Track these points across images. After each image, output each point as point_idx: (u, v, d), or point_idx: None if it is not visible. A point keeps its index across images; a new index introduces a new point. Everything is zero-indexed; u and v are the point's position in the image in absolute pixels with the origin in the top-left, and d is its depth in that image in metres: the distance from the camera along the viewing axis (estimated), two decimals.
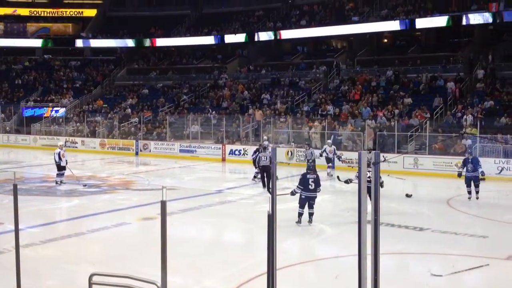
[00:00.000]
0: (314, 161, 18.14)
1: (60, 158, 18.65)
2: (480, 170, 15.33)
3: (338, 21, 35.22)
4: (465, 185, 15.45)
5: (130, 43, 42.65)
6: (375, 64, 33.02)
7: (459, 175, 15.78)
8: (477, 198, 15.20)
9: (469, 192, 15.40)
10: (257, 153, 18.64)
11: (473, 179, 15.30)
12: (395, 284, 7.78)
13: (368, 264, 4.96)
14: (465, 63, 29.94)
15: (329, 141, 21.64)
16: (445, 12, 30.62)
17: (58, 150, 18.92)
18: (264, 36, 36.79)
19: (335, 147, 21.27)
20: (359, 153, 4.74)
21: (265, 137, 22.44)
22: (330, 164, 20.82)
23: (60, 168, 18.77)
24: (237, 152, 26.38)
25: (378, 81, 30.23)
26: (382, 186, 12.80)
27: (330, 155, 20.79)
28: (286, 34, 36.23)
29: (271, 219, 5.32)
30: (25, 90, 41.68)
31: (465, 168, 15.44)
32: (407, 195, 16.28)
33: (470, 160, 15.51)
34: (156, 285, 5.46)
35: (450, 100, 25.55)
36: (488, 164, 20.08)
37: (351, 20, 34.59)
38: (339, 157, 20.99)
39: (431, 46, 34.51)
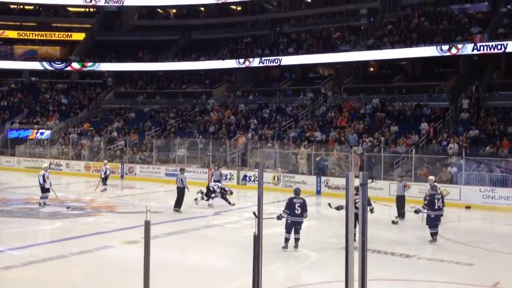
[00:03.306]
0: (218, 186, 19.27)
1: (44, 180, 18.45)
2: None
3: (325, 49, 35.61)
4: (429, 228, 13.61)
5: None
6: (361, 92, 33.32)
7: (417, 212, 14.34)
8: (435, 240, 13.60)
9: (435, 234, 13.56)
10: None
11: (439, 218, 13.98)
12: None
13: None
14: (450, 92, 30.31)
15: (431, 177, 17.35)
16: (431, 43, 31.10)
17: (43, 172, 18.73)
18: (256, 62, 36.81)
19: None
20: (347, 174, 4.71)
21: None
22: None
23: (44, 190, 18.54)
24: (223, 177, 26.16)
25: (365, 109, 30.45)
26: (372, 212, 12.83)
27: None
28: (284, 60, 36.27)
29: (257, 240, 5.24)
30: (10, 111, 41.30)
31: (434, 206, 13.63)
32: (393, 222, 16.26)
33: (439, 197, 13.89)
34: None
35: (423, 140, 25.57)
36: (473, 192, 20.23)
37: (339, 48, 34.99)
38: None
39: (417, 76, 34.96)
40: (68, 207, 18.20)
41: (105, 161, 26.27)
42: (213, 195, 18.92)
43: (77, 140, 34.64)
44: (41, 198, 18.56)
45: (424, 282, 10.28)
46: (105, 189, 23.25)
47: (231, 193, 19.36)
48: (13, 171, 32.95)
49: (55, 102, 42.79)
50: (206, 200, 18.96)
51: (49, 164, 22.30)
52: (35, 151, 35.34)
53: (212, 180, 20.88)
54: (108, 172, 24.04)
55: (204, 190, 19.16)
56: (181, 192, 18.04)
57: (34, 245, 12.99)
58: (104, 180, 23.63)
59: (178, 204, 17.92)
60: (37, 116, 40.25)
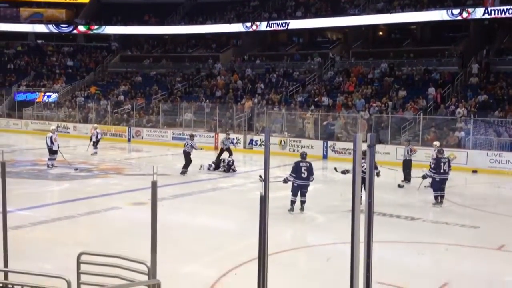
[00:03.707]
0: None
1: (52, 142, 18.58)
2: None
3: (334, 13, 35.07)
4: (434, 191, 13.75)
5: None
6: (369, 57, 32.94)
7: (425, 177, 14.45)
8: (442, 203, 13.70)
9: (442, 197, 13.62)
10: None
11: (445, 182, 13.84)
12: (385, 270, 7.75)
13: (361, 249, 4.91)
14: (459, 57, 29.92)
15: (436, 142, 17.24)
16: (441, 7, 30.54)
17: (50, 134, 18.83)
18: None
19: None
20: (354, 136, 4.68)
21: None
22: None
23: (52, 152, 18.68)
24: (234, 144, 26.20)
25: (373, 74, 30.17)
26: (378, 176, 12.85)
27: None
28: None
29: (263, 200, 5.25)
30: (17, 74, 41.31)
31: (440, 170, 13.61)
32: (400, 186, 16.30)
33: (445, 161, 13.89)
34: (146, 265, 5.40)
35: (431, 106, 25.34)
36: (480, 157, 20.20)
37: (347, 12, 34.45)
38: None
39: (426, 40, 34.46)
40: (76, 169, 18.34)
41: (95, 125, 26.42)
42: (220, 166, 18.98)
43: (84, 103, 34.68)
44: (49, 160, 18.71)
45: (429, 244, 10.35)
46: (95, 153, 22.97)
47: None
48: (21, 133, 33.15)
49: (61, 65, 42.68)
50: (213, 170, 18.92)
51: (56, 127, 22.33)
52: (42, 113, 35.46)
53: (222, 144, 20.95)
54: (99, 136, 23.75)
55: (213, 165, 19.13)
56: (187, 156, 18.11)
57: (43, 206, 13.14)
58: (96, 143, 23.34)
59: (185, 167, 18.02)
60: (44, 79, 40.22)
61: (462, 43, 31.83)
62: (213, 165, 19.03)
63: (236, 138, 26.09)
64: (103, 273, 5.92)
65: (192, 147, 18.12)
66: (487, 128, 21.39)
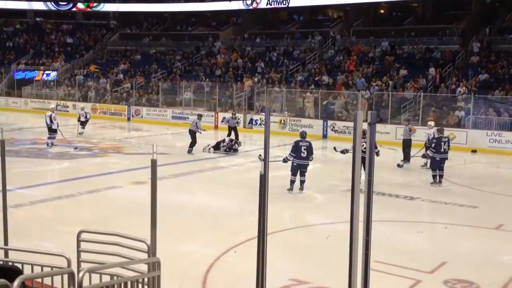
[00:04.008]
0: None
1: (51, 121, 18.57)
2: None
3: None
4: (432, 170, 13.83)
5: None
6: (370, 35, 32.72)
7: (427, 156, 14.34)
8: (440, 183, 13.74)
9: (440, 177, 13.68)
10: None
11: (444, 161, 13.80)
12: (384, 249, 7.80)
13: (360, 228, 4.92)
14: (460, 36, 29.71)
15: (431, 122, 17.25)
16: None
17: (50, 113, 18.83)
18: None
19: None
20: (355, 113, 4.65)
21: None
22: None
23: (52, 131, 18.69)
24: (239, 123, 26.16)
25: (374, 52, 29.99)
26: (377, 155, 12.84)
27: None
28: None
29: (263, 179, 5.25)
30: (16, 52, 41.11)
31: (440, 149, 13.62)
32: (399, 165, 16.31)
33: (446, 140, 13.95)
34: (146, 243, 5.42)
35: (431, 86, 25.21)
36: (480, 136, 20.19)
37: None
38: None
39: (428, 18, 34.18)
40: (76, 148, 18.36)
41: (82, 105, 26.07)
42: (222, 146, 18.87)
43: (83, 82, 34.55)
44: (49, 138, 18.73)
45: (428, 223, 10.41)
46: (81, 133, 22.29)
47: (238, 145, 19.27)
48: (20, 112, 33.09)
49: (60, 43, 42.45)
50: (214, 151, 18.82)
51: (56, 106, 22.24)
52: (41, 92, 35.37)
53: (228, 123, 21.44)
54: (88, 116, 23.25)
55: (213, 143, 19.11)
56: (193, 135, 18.12)
57: (43, 185, 13.16)
58: (84, 123, 22.73)
59: (191, 145, 18.05)
60: (43, 57, 40.03)
61: (464, 21, 31.58)
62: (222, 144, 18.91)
63: (237, 117, 26.06)
64: (103, 251, 5.95)
65: (196, 126, 18.08)
66: (487, 108, 21.32)
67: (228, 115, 26.63)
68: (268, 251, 5.81)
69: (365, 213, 4.77)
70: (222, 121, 25.33)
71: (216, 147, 18.82)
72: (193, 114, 27.66)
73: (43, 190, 12.49)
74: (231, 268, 7.70)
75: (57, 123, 18.69)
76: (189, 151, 17.95)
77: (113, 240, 5.75)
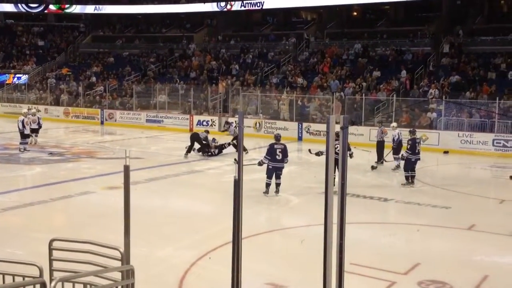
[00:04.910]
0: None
1: (24, 126, 18.32)
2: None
3: None
4: (405, 171, 13.98)
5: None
6: (344, 37, 33.00)
7: (403, 158, 14.23)
8: (413, 183, 13.92)
9: (412, 177, 13.86)
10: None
11: (417, 162, 14.03)
12: (359, 251, 7.86)
13: (334, 231, 4.95)
14: (432, 38, 30.17)
15: (394, 124, 17.55)
16: None
17: (22, 117, 18.56)
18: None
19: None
20: (328, 117, 4.68)
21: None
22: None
23: (24, 136, 18.41)
24: (204, 123, 26.15)
25: (347, 54, 30.24)
26: (351, 157, 12.92)
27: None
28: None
29: (237, 184, 5.24)
30: None
31: (415, 150, 13.84)
32: (373, 167, 16.46)
33: (419, 141, 14.25)
34: (119, 250, 5.36)
35: (403, 88, 25.49)
36: (452, 137, 20.51)
37: None
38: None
39: (400, 20, 34.63)
40: (50, 153, 18.09)
41: (24, 110, 20.60)
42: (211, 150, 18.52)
43: (55, 85, 34.06)
44: (21, 143, 18.40)
45: (402, 224, 10.52)
46: (37, 142, 20.03)
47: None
48: None
49: (31, 46, 41.79)
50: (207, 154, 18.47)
51: (28, 109, 21.62)
52: (12, 96, 34.73)
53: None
54: (41, 121, 20.89)
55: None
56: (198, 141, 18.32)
57: (14, 191, 12.90)
58: (37, 131, 20.30)
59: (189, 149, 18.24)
60: (14, 60, 39.34)
61: (435, 23, 32.09)
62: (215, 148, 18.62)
63: (211, 120, 26.04)
64: (75, 259, 5.86)
65: (207, 141, 18.25)
66: (459, 109, 21.68)
67: (203, 117, 26.62)
68: (244, 255, 5.80)
69: (339, 217, 4.81)
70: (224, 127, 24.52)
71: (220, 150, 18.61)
72: (167, 117, 27.59)
73: (14, 196, 12.25)
74: (207, 274, 7.66)
75: (30, 128, 18.40)
76: (186, 155, 18.02)
77: (86, 248, 5.67)
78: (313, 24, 37.54)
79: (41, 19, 45.01)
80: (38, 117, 20.73)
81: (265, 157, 12.51)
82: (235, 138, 18.45)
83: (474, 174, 17.59)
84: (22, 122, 18.35)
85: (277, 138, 12.87)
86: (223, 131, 19.52)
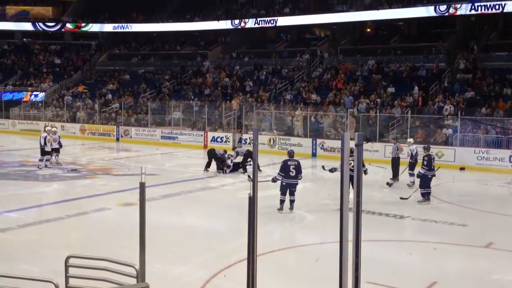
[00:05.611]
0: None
1: (45, 143, 18.45)
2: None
3: (321, 10, 35.11)
4: (422, 188, 13.77)
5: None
6: (357, 53, 33.05)
7: (420, 175, 13.93)
8: (429, 200, 13.84)
9: (429, 194, 13.83)
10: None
11: (432, 179, 13.89)
12: (375, 270, 7.78)
13: (349, 248, 4.93)
14: (446, 53, 30.09)
15: (410, 140, 17.63)
16: (428, 3, 30.69)
17: (45, 134, 18.73)
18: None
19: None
20: (342, 134, 4.69)
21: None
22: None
23: (44, 153, 18.56)
24: (219, 139, 26.25)
25: (361, 71, 30.27)
26: (365, 173, 12.87)
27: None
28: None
29: (252, 201, 5.25)
30: (3, 73, 40.93)
31: (431, 167, 13.74)
32: (388, 184, 16.35)
33: (433, 158, 14.17)
34: (134, 267, 5.38)
35: (417, 103, 25.41)
36: (468, 154, 20.32)
37: (335, 9, 34.51)
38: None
39: (414, 37, 34.62)
40: (73, 170, 18.21)
41: (48, 128, 19.92)
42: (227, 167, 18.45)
43: (72, 103, 34.44)
44: (40, 160, 18.55)
45: (418, 242, 10.41)
46: (47, 166, 18.75)
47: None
48: (8, 133, 32.83)
49: (48, 64, 42.36)
50: (222, 172, 18.36)
51: (52, 126, 20.72)
52: (29, 113, 35.15)
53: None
54: (61, 141, 19.75)
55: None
56: (214, 157, 18.46)
57: (31, 207, 13.02)
58: (58, 151, 19.42)
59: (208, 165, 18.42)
60: (31, 78, 39.90)
61: (449, 39, 32.02)
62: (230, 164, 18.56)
63: (225, 136, 26.12)
64: (91, 276, 5.89)
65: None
66: (475, 125, 21.52)
67: (218, 134, 26.70)
68: (259, 273, 5.79)
69: (355, 235, 4.78)
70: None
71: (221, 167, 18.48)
72: (182, 133, 27.74)
73: (31, 213, 12.36)
74: None
75: (51, 145, 18.54)
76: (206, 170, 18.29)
77: (102, 265, 5.70)
78: (327, 40, 37.66)
79: (57, 38, 45.67)
80: (58, 136, 19.91)
81: (278, 173, 12.50)
82: (246, 157, 18.44)
83: (491, 191, 17.39)
84: (45, 138, 18.52)
85: (291, 154, 12.86)
86: (233, 148, 19.51)
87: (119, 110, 31.82)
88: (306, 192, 14.56)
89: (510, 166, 19.61)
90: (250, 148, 19.57)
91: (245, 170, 18.08)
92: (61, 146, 19.62)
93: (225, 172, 18.25)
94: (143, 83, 36.32)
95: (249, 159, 18.14)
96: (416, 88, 26.39)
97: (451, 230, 11.31)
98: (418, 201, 13.76)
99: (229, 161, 18.42)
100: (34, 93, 37.64)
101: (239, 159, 18.70)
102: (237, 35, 39.57)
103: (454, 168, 19.67)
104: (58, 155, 19.39)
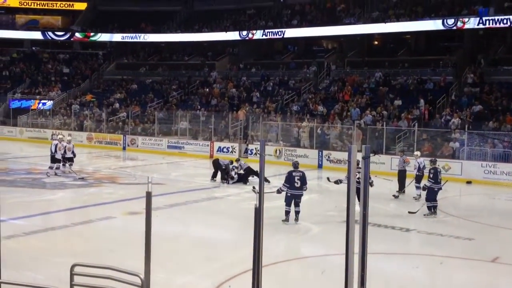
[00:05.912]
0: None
1: (56, 150, 18.51)
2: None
3: (329, 22, 35.24)
4: (428, 201, 13.72)
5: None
6: (365, 66, 33.10)
7: (425, 188, 13.98)
8: (436, 213, 13.79)
9: (435, 207, 13.76)
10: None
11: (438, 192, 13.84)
12: (380, 283, 7.74)
13: (355, 261, 4.91)
14: (454, 67, 30.08)
15: (417, 152, 17.75)
16: (436, 16, 30.74)
17: (56, 142, 18.82)
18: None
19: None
20: (349, 147, 4.69)
21: None
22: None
23: (54, 160, 18.63)
24: (225, 150, 26.29)
25: (368, 83, 30.29)
26: (371, 186, 12.82)
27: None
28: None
29: (258, 212, 5.25)
30: (12, 81, 41.25)
31: (437, 180, 13.69)
32: (394, 196, 16.30)
33: (439, 171, 14.06)
34: (139, 277, 5.37)
35: (424, 116, 25.36)
36: (475, 167, 20.24)
37: (343, 21, 34.62)
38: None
39: (421, 50, 34.65)
40: (81, 178, 18.25)
41: (60, 136, 20.26)
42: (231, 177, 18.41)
43: (79, 111, 34.63)
44: (50, 168, 18.60)
45: (424, 255, 10.35)
46: (56, 174, 18.84)
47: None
48: (15, 141, 33.02)
49: (56, 73, 42.67)
50: (226, 182, 18.36)
51: (63, 135, 20.59)
52: (37, 121, 35.36)
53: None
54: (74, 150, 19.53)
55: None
56: (220, 168, 18.57)
57: (37, 215, 13.04)
58: (72, 160, 19.23)
59: (214, 175, 18.58)
60: (39, 86, 40.18)
61: (457, 53, 32.02)
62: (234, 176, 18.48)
63: (232, 147, 26.15)
64: (96, 285, 5.89)
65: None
66: (482, 139, 21.45)
67: (224, 144, 26.75)
68: (263, 284, 5.77)
69: (361, 247, 4.77)
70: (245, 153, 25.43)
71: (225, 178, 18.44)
72: (188, 143, 27.81)
73: (37, 220, 12.38)
74: None
75: (62, 155, 18.58)
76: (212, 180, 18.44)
77: (107, 274, 5.70)
78: (334, 52, 37.74)
79: (66, 47, 46.03)
80: (72, 145, 19.64)
81: (283, 184, 12.49)
82: (247, 174, 18.53)
83: (498, 205, 17.29)
84: (56, 146, 18.60)
85: (295, 165, 12.85)
86: (237, 160, 19.53)
87: (126, 119, 31.96)
88: (311, 203, 14.54)
89: None
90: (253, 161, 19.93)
91: (245, 183, 18.13)
92: (74, 155, 19.42)
93: (229, 183, 18.25)
94: (150, 93, 36.48)
95: (252, 175, 18.29)
96: (422, 101, 26.36)
97: (458, 244, 11.24)
98: (424, 214, 13.70)
99: (233, 173, 18.41)
100: (42, 101, 37.87)
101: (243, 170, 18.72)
102: (244, 46, 39.73)
103: (461, 182, 19.59)
104: (72, 164, 19.20)
